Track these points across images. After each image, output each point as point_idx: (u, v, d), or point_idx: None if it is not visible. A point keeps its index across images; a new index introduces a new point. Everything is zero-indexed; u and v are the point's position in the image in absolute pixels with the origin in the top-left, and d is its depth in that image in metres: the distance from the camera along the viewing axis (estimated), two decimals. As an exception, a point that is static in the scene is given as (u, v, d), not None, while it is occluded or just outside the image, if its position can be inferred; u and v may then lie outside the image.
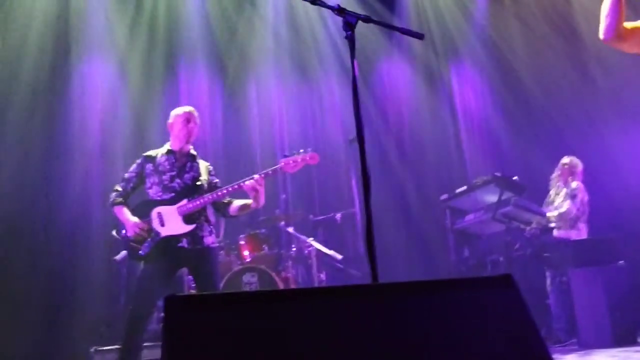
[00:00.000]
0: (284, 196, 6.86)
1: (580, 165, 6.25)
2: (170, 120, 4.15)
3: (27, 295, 5.73)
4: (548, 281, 5.90)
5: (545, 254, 5.91)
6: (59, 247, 6.06)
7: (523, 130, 7.88)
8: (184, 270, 5.73)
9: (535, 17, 8.01)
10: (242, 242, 5.98)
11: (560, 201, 6.16)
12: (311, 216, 6.67)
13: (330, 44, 7.76)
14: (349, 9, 2.62)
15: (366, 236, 2.32)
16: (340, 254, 5.98)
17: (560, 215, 6.03)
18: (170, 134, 4.15)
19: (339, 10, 2.62)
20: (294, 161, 3.91)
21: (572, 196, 6.06)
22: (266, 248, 5.99)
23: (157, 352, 5.00)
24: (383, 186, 7.20)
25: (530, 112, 7.93)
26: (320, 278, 6.05)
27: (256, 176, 3.85)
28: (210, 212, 4.18)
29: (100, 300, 5.97)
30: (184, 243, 3.91)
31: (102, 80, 6.83)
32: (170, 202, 3.94)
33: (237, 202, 4.08)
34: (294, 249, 6.13)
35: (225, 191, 3.93)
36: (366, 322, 1.62)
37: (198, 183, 4.02)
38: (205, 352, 1.50)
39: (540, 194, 6.46)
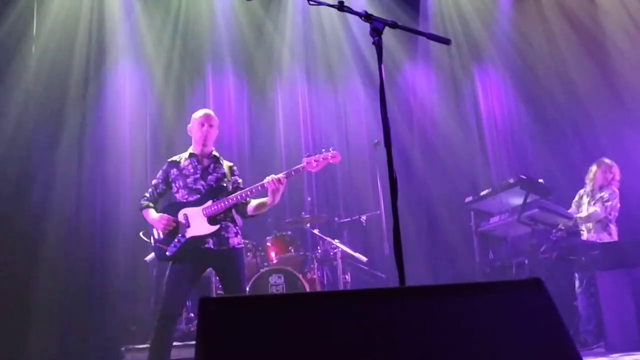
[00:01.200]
0: (309, 199, 6.92)
1: (617, 172, 6.14)
2: (189, 125, 4.24)
3: (60, 295, 5.85)
4: (577, 283, 5.85)
5: (572, 257, 5.86)
6: (89, 247, 6.18)
7: (548, 133, 7.82)
8: (212, 271, 5.84)
9: (559, 20, 7.95)
10: (268, 244, 6.04)
11: (590, 203, 6.09)
12: (336, 218, 6.70)
13: (355, 48, 7.79)
14: (373, 14, 2.64)
15: (394, 239, 2.35)
16: (365, 256, 6.01)
17: (589, 217, 5.98)
18: (191, 138, 4.22)
19: (366, 17, 2.66)
20: (315, 160, 3.95)
21: (605, 201, 5.98)
22: (292, 250, 6.04)
23: (185, 352, 5.09)
24: (408, 189, 7.21)
25: (555, 115, 7.87)
26: (345, 279, 6.08)
27: (280, 175, 3.89)
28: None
29: (130, 300, 6.08)
30: (210, 244, 3.97)
31: (132, 84, 6.95)
32: (196, 203, 4.01)
33: (254, 202, 4.11)
34: (320, 251, 6.17)
35: (249, 192, 3.97)
36: (394, 325, 1.65)
37: (222, 184, 4.09)
38: (239, 352, 1.54)
39: (566, 197, 6.41)
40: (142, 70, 7.04)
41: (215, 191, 4.05)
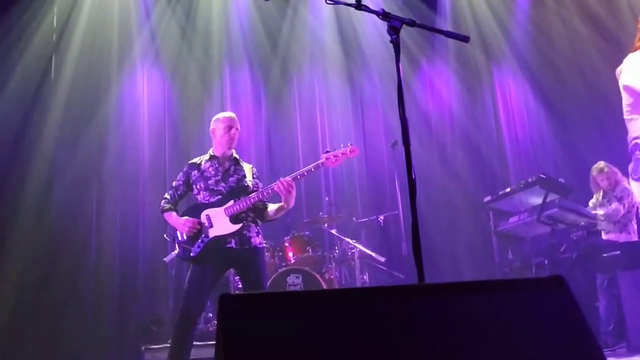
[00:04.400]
0: (327, 199, 6.92)
1: (612, 171, 6.06)
2: (211, 127, 4.23)
3: (81, 296, 5.91)
4: (598, 284, 5.78)
5: (592, 257, 5.79)
6: (110, 248, 6.23)
7: (567, 131, 7.74)
8: (231, 271, 5.87)
9: (578, 17, 7.87)
10: (286, 244, 6.05)
11: (605, 204, 6.03)
12: (354, 218, 6.70)
13: (373, 46, 7.78)
14: (390, 12, 2.64)
15: (413, 239, 2.34)
16: (383, 256, 6.00)
17: (609, 217, 5.91)
18: (212, 140, 4.22)
19: (383, 15, 2.65)
20: (335, 156, 3.96)
21: (620, 198, 5.92)
22: (310, 250, 6.04)
23: (205, 352, 5.12)
24: (426, 188, 7.19)
25: (575, 113, 7.79)
26: (363, 279, 6.08)
27: (288, 178, 3.92)
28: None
29: (150, 300, 6.13)
30: (232, 244, 3.98)
31: (150, 86, 7.01)
32: (218, 204, 4.02)
33: (272, 207, 4.14)
34: (337, 251, 6.17)
35: (270, 190, 3.97)
36: (415, 323, 1.64)
37: (244, 184, 4.10)
38: (259, 349, 1.55)
39: (586, 196, 6.34)
40: (160, 72, 7.10)
41: (237, 191, 4.06)
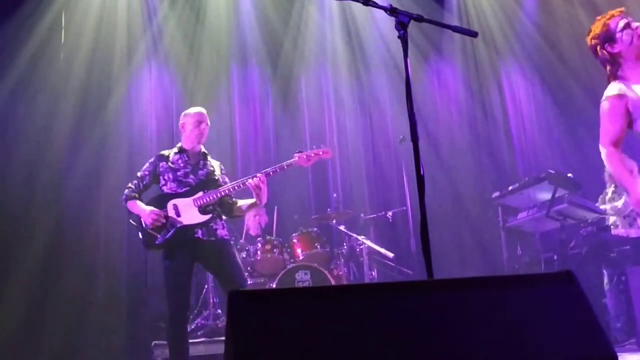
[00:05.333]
0: (335, 195, 6.92)
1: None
2: (181, 121, 4.29)
3: (91, 293, 5.94)
4: (605, 280, 5.75)
5: (602, 252, 5.76)
6: (117, 245, 6.25)
7: (576, 126, 7.68)
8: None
9: (586, 11, 7.81)
10: (294, 241, 6.06)
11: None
12: (362, 214, 6.69)
13: (380, 42, 7.76)
14: (398, 8, 2.63)
15: (421, 235, 2.33)
16: (392, 252, 5.99)
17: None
18: (182, 134, 4.27)
19: (391, 11, 2.64)
20: (307, 156, 4.09)
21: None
22: (318, 246, 6.04)
23: (214, 348, 5.14)
24: (434, 184, 7.17)
25: (584, 108, 7.73)
26: (372, 276, 6.08)
27: (259, 174, 4.00)
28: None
29: (158, 297, 6.14)
30: (200, 234, 4.02)
31: (157, 84, 7.02)
32: (185, 195, 4.06)
33: (243, 202, 4.20)
34: (346, 247, 6.17)
35: (240, 185, 4.03)
36: (425, 318, 1.64)
37: (214, 177, 4.17)
38: (269, 345, 1.56)
39: (595, 191, 6.29)
40: (167, 69, 7.11)
41: (207, 183, 4.12)
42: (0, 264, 5.64)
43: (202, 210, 4.03)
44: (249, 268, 5.91)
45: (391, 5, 2.64)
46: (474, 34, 2.74)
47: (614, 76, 3.11)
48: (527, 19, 8.08)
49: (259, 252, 5.89)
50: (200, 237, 4.02)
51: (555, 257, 5.95)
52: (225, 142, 7.03)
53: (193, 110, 4.31)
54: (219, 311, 5.69)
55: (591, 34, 3.15)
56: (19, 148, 6.05)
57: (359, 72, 7.91)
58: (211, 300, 5.69)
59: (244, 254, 5.90)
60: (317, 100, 7.73)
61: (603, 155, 3.09)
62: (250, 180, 3.99)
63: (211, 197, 4.03)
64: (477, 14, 8.09)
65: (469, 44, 7.93)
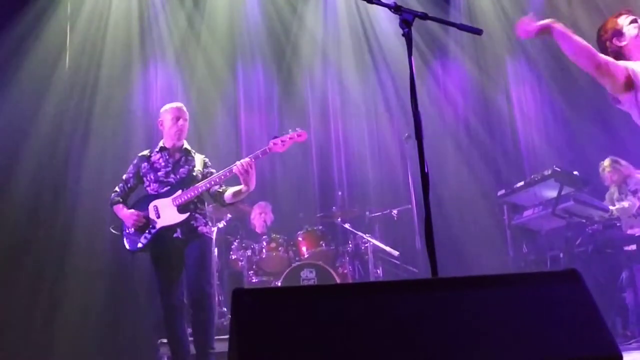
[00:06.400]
0: (340, 193, 6.91)
1: (621, 166, 6.02)
2: (159, 118, 4.24)
3: (99, 292, 5.96)
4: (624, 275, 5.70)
5: (609, 250, 5.74)
6: (124, 244, 6.25)
7: (583, 124, 7.64)
8: (244, 265, 5.88)
9: (593, 7, 7.77)
10: (300, 239, 6.06)
11: (622, 198, 5.97)
12: (367, 212, 6.67)
13: (384, 40, 7.74)
14: (403, 5, 2.62)
15: (426, 233, 2.33)
16: (397, 250, 5.99)
17: (625, 211, 5.85)
18: (162, 132, 4.22)
19: (395, 8, 2.63)
20: (282, 140, 4.02)
21: (634, 191, 5.87)
22: (323, 244, 6.04)
23: (219, 346, 5.12)
24: (439, 182, 7.15)
25: (591, 105, 7.69)
26: (377, 274, 6.07)
27: (246, 159, 3.91)
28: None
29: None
30: (179, 233, 4.00)
31: (162, 82, 7.03)
32: (166, 194, 4.04)
33: (231, 189, 4.11)
34: (351, 245, 6.17)
35: (217, 179, 3.99)
36: (429, 316, 1.64)
37: (193, 174, 4.09)
38: (273, 342, 1.56)
39: (602, 189, 6.28)
40: (171, 70, 7.11)
41: (186, 181, 4.06)
42: (6, 264, 5.66)
43: (181, 209, 4.00)
44: (254, 266, 5.92)
45: (395, 2, 2.64)
46: (479, 32, 2.73)
47: None
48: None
49: (264, 250, 5.90)
50: (180, 236, 3.99)
51: (562, 255, 5.93)
52: (231, 141, 7.03)
53: (170, 105, 4.25)
54: (224, 309, 5.70)
55: (601, 30, 3.43)
56: (26, 150, 6.06)
57: (364, 70, 7.89)
58: (216, 299, 5.69)
59: (249, 252, 5.91)
60: (322, 98, 7.72)
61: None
62: (237, 167, 3.89)
63: (189, 195, 3.98)
64: (482, 11, 8.05)
65: (475, 41, 7.89)
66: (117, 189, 4.22)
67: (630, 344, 5.38)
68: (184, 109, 4.23)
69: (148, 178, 4.14)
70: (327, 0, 7.77)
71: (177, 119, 4.15)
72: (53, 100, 6.28)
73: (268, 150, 4.01)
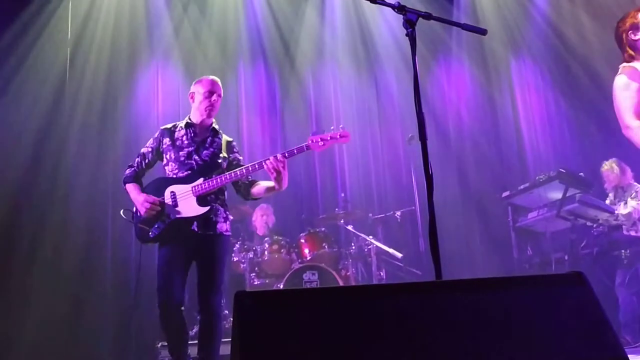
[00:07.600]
0: (343, 194, 6.89)
1: (618, 169, 6.00)
2: (191, 90, 3.88)
3: (96, 294, 5.94)
4: (618, 280, 5.70)
5: (614, 253, 5.71)
6: (125, 243, 6.24)
7: (588, 125, 7.62)
8: (246, 267, 5.85)
9: (599, 8, 7.74)
10: (302, 241, 6.04)
11: (625, 200, 5.95)
12: (370, 214, 6.66)
13: (388, 40, 7.73)
14: (406, 5, 2.61)
15: (430, 235, 2.31)
16: (400, 252, 5.96)
17: (628, 215, 5.82)
18: (191, 106, 3.87)
19: (399, 8, 2.62)
20: (322, 139, 3.56)
21: (634, 197, 5.83)
22: (326, 246, 6.01)
23: (221, 349, 5.11)
24: (443, 183, 7.13)
25: (596, 106, 7.66)
26: (380, 276, 6.05)
27: (279, 155, 3.53)
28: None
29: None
30: (195, 226, 3.62)
31: (163, 82, 7.02)
32: (186, 180, 3.65)
33: (262, 184, 3.76)
34: (354, 247, 6.14)
35: (244, 171, 3.61)
36: (433, 319, 1.63)
37: (217, 160, 3.73)
38: (275, 345, 1.54)
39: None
40: (174, 70, 7.10)
41: (208, 168, 3.69)
42: (6, 262, 5.65)
43: (201, 200, 3.61)
44: (256, 268, 5.90)
45: (399, 2, 2.62)
46: (483, 32, 2.72)
47: (632, 59, 3.46)
48: (539, 15, 8.00)
49: (266, 253, 5.87)
50: (196, 230, 3.61)
51: (566, 257, 5.91)
52: (233, 139, 7.03)
53: (205, 78, 3.88)
54: (227, 312, 5.68)
55: (620, 22, 3.53)
56: (26, 147, 6.06)
57: (367, 70, 7.88)
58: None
59: (251, 254, 5.89)
60: (325, 99, 7.71)
61: (632, 133, 3.25)
62: (268, 162, 3.50)
63: (211, 185, 3.59)
64: (487, 10, 8.02)
65: (479, 41, 7.87)
66: (132, 164, 3.86)
67: (636, 346, 5.35)
68: (219, 83, 3.86)
69: (168, 156, 3.76)
70: (328, 1, 7.76)
71: (211, 93, 3.79)
72: (53, 100, 6.27)
73: (305, 148, 3.56)
